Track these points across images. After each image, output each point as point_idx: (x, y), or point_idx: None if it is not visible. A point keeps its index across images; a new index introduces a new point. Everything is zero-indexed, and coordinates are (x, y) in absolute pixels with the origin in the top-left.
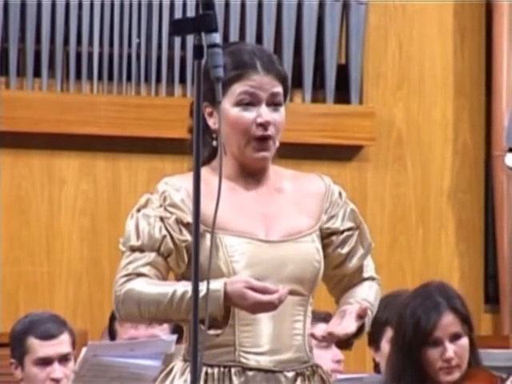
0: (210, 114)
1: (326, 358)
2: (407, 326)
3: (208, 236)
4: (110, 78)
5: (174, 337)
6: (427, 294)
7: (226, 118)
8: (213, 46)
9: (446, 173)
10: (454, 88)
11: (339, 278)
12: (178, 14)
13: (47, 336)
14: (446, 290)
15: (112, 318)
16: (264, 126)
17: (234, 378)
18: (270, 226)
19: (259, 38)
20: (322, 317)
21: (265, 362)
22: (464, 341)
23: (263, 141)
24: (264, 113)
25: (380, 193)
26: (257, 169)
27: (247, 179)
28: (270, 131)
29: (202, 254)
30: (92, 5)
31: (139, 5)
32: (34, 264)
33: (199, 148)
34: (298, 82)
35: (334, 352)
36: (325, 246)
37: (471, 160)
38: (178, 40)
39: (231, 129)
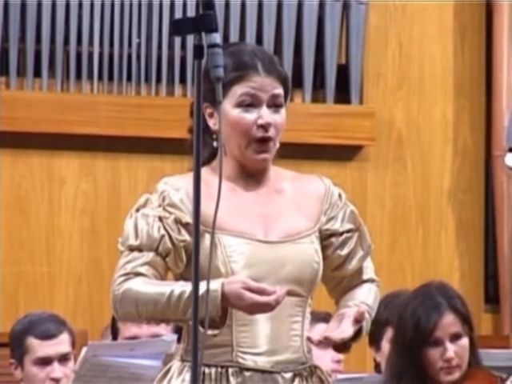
0: (211, 115)
1: (326, 358)
2: (407, 325)
3: (207, 236)
4: (110, 77)
5: (174, 337)
6: (428, 294)
7: (227, 119)
8: (213, 45)
9: (446, 173)
10: (454, 88)
11: (339, 280)
12: (178, 14)
13: (47, 336)
14: (447, 290)
15: (115, 316)
16: (265, 127)
17: (232, 379)
18: (269, 226)
19: (259, 38)
20: (322, 317)
21: (262, 362)
22: (464, 341)
23: (264, 142)
24: (265, 114)
25: (380, 193)
26: (257, 170)
27: (247, 180)
28: (271, 133)
29: (201, 254)
30: (92, 5)
31: (139, 5)
32: (33, 264)
33: (199, 148)
34: (298, 82)
35: (334, 352)
36: (324, 248)
37: (471, 160)
38: (178, 40)
39: (232, 130)
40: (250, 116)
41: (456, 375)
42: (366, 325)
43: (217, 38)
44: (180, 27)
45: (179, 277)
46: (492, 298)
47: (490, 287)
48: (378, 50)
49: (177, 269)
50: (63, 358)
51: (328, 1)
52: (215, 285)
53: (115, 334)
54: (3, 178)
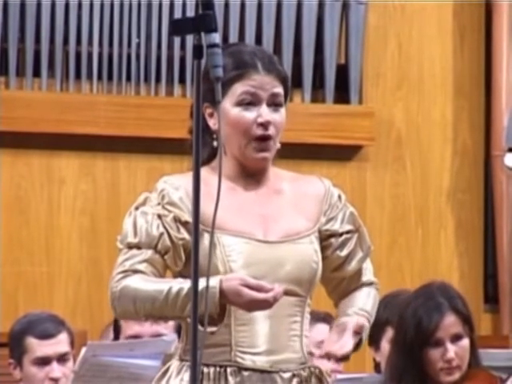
0: (211, 115)
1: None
2: (408, 326)
3: (206, 235)
4: (110, 77)
5: (175, 336)
6: (429, 295)
7: (227, 118)
8: (212, 45)
9: (445, 173)
10: (454, 88)
11: (338, 281)
12: (177, 14)
13: (45, 335)
14: (448, 291)
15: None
16: (264, 125)
17: (230, 378)
18: (268, 226)
19: (259, 38)
20: (322, 317)
21: (261, 362)
22: (465, 342)
23: (263, 141)
24: (264, 113)
25: (379, 193)
26: (257, 169)
27: (247, 179)
28: (271, 131)
29: (200, 253)
30: (92, 5)
31: (139, 5)
32: (33, 264)
33: (199, 148)
34: (297, 82)
35: None
36: (324, 248)
37: (470, 160)
38: (177, 40)
39: (232, 129)
40: (250, 115)
41: (456, 376)
42: (365, 333)
43: (216, 37)
44: (179, 27)
45: (178, 275)
46: (491, 297)
47: (489, 287)
48: (378, 50)
49: (176, 267)
50: (62, 358)
51: (327, 1)
52: (213, 282)
53: (117, 333)
54: (3, 178)
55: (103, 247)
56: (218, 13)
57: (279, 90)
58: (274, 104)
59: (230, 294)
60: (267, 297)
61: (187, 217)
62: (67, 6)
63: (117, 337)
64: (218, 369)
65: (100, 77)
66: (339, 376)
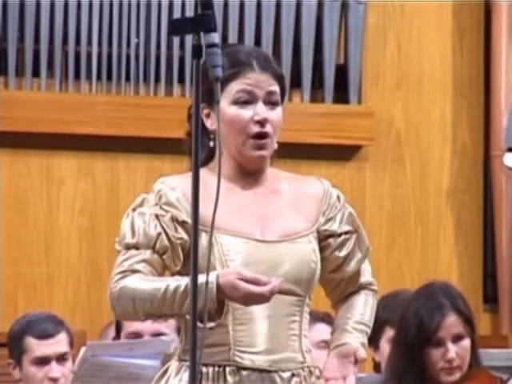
0: (208, 116)
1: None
2: (410, 325)
3: (204, 235)
4: (109, 77)
5: (174, 336)
6: (430, 295)
7: (224, 117)
8: (211, 45)
9: (444, 173)
10: (453, 88)
11: (337, 282)
12: (176, 14)
13: (45, 335)
14: (450, 291)
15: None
16: (261, 123)
17: (229, 378)
18: (265, 226)
19: (258, 38)
20: (321, 317)
21: (260, 361)
22: (466, 342)
23: (261, 139)
24: (261, 110)
25: (379, 193)
26: (255, 168)
27: (245, 179)
28: (267, 128)
29: (198, 252)
30: (91, 5)
31: (138, 5)
32: (32, 264)
33: (198, 149)
34: (296, 82)
35: None
36: (322, 249)
37: (470, 160)
38: (176, 40)
39: (229, 127)
40: (247, 113)
41: (457, 376)
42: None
43: (215, 37)
44: (178, 27)
45: (177, 274)
46: (491, 297)
47: (488, 287)
48: (377, 50)
49: (174, 266)
50: (61, 358)
51: (326, 1)
52: (210, 277)
53: (119, 330)
54: (2, 178)
55: (103, 247)
56: (217, 13)
57: (275, 88)
58: (271, 102)
59: (227, 288)
60: (263, 291)
61: (184, 217)
62: (66, 6)
63: (118, 334)
64: (216, 368)
65: (99, 77)
66: None
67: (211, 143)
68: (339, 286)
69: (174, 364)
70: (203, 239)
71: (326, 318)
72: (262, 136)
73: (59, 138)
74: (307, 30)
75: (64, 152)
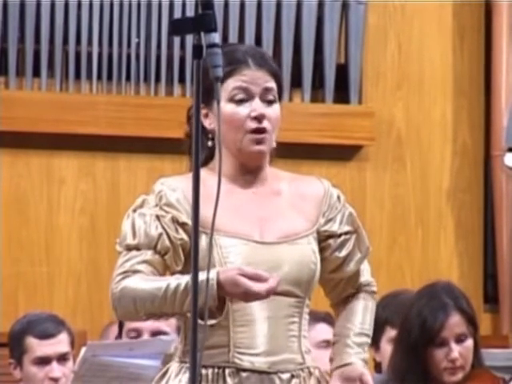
0: (206, 116)
1: (325, 359)
2: (413, 325)
3: (204, 237)
4: (110, 77)
5: (174, 336)
6: (433, 294)
7: (221, 115)
8: (212, 45)
9: (445, 172)
10: (454, 88)
11: (336, 282)
12: (177, 14)
13: (45, 335)
14: (453, 291)
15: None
16: (258, 119)
17: (228, 379)
18: (264, 227)
19: (258, 38)
20: (321, 317)
21: (259, 363)
22: (469, 342)
23: (258, 133)
24: (258, 106)
25: (379, 193)
26: (254, 165)
27: (245, 178)
28: (265, 124)
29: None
30: (91, 5)
31: (138, 4)
32: (33, 264)
33: (198, 150)
34: (297, 82)
35: None
36: (322, 250)
37: (470, 160)
38: (177, 40)
39: (227, 125)
40: (244, 110)
41: (459, 376)
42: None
43: (216, 37)
44: (179, 27)
45: (178, 273)
46: (491, 297)
47: (489, 287)
48: (378, 50)
49: (176, 266)
50: (62, 358)
51: (327, 1)
52: (211, 274)
53: (121, 329)
54: (2, 178)
55: (103, 247)
56: (218, 13)
57: (271, 84)
58: (268, 99)
59: (228, 284)
60: (260, 289)
61: (185, 218)
62: (67, 5)
63: (121, 333)
64: (216, 370)
65: (100, 77)
66: None
67: (210, 143)
68: (338, 285)
69: (174, 365)
70: (203, 241)
71: (327, 318)
72: (259, 131)
73: (60, 138)
74: (308, 29)
75: (64, 152)
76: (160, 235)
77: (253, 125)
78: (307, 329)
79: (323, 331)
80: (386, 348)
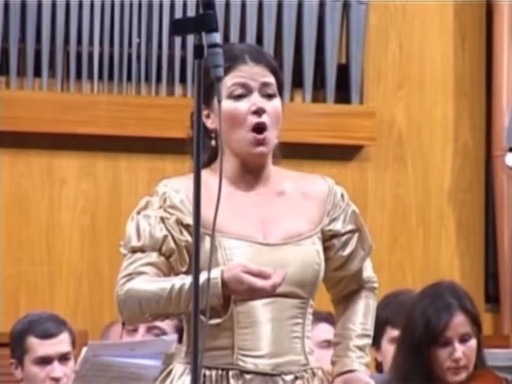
0: (207, 116)
1: (328, 358)
2: (417, 325)
3: (207, 239)
4: (111, 77)
5: (175, 336)
6: (437, 294)
7: (221, 113)
8: (213, 45)
9: (446, 172)
10: (455, 88)
11: (339, 279)
12: (178, 14)
13: (47, 335)
14: (457, 290)
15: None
16: (258, 112)
17: (232, 381)
18: (267, 229)
19: (259, 38)
20: (324, 317)
21: (263, 365)
22: (473, 342)
23: (259, 132)
24: (257, 100)
25: (380, 193)
26: (257, 165)
27: (248, 178)
28: (265, 118)
29: (201, 256)
30: (92, 5)
31: (140, 4)
32: (34, 264)
33: (199, 150)
34: (298, 82)
35: None
36: (326, 249)
37: (471, 160)
38: (178, 40)
39: (228, 123)
40: (243, 105)
41: (463, 376)
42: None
43: (217, 37)
44: (180, 27)
45: (182, 274)
46: (492, 297)
47: (490, 287)
48: (379, 50)
49: (181, 268)
50: (63, 358)
51: (328, 1)
52: (215, 273)
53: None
54: (3, 178)
55: (104, 247)
56: (219, 13)
57: (270, 79)
58: (267, 93)
59: (232, 282)
60: (265, 285)
61: (188, 220)
62: (68, 5)
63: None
64: (219, 372)
65: (101, 77)
66: None
67: (213, 142)
68: (341, 282)
69: (177, 366)
70: (207, 243)
71: (329, 318)
72: (260, 128)
73: (61, 138)
74: (309, 29)
75: (66, 152)
76: (165, 237)
77: (253, 120)
78: (310, 329)
79: (325, 331)
80: (387, 348)
